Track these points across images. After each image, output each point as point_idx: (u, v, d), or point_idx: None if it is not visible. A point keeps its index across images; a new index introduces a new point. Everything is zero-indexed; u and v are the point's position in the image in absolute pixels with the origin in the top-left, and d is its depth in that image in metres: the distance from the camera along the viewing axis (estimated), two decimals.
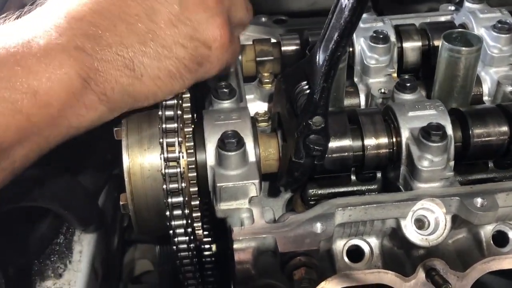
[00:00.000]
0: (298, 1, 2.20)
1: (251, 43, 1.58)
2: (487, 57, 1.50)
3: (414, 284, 1.17)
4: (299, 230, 1.14)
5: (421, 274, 1.17)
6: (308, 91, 1.15)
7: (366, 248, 1.25)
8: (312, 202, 1.34)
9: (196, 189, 1.21)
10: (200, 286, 1.45)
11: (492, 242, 1.24)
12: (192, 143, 1.21)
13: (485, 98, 1.51)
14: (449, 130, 1.24)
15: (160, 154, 1.17)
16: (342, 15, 1.02)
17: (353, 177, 1.36)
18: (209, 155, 1.22)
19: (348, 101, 1.49)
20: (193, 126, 1.24)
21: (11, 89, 0.98)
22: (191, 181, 1.20)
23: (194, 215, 1.24)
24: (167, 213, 1.19)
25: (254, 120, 1.34)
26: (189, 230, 1.24)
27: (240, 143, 1.19)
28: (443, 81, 1.39)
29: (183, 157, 1.19)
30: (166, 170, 1.17)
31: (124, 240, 2.21)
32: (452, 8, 1.73)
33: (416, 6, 2.01)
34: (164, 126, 1.18)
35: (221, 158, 1.19)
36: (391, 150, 1.27)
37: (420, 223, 1.19)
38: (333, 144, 1.25)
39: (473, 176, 1.35)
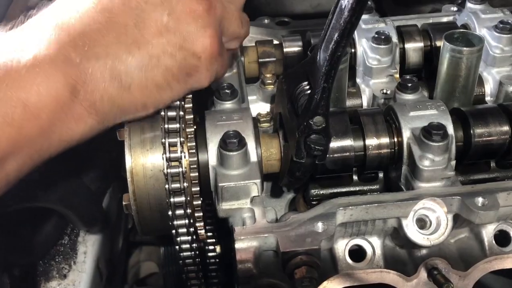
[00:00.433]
0: (302, 3, 2.21)
1: (253, 44, 1.58)
2: (489, 57, 1.50)
3: (416, 284, 1.17)
4: (300, 229, 1.15)
5: (423, 274, 1.18)
6: (309, 91, 1.16)
7: (368, 248, 1.25)
8: (314, 202, 1.34)
9: (198, 188, 1.22)
10: (203, 287, 1.45)
11: (494, 241, 1.25)
12: (194, 143, 1.22)
13: (488, 98, 1.51)
14: (450, 130, 1.24)
15: (162, 154, 1.18)
16: (342, 15, 1.03)
17: (355, 177, 1.36)
18: (211, 155, 1.22)
19: (350, 102, 1.50)
20: (195, 126, 1.24)
21: (1, 102, 0.99)
22: (193, 181, 1.21)
23: (196, 214, 1.24)
24: (169, 212, 1.20)
25: (255, 120, 1.35)
26: (191, 229, 1.24)
27: (242, 143, 1.19)
28: (445, 81, 1.39)
29: (185, 157, 1.20)
30: (168, 170, 1.18)
31: (129, 241, 2.22)
32: (455, 8, 1.73)
33: (419, 7, 2.01)
34: (166, 126, 1.19)
35: (223, 158, 1.20)
36: (393, 150, 1.27)
37: (422, 223, 1.19)
38: (335, 144, 1.25)
39: (475, 176, 1.35)
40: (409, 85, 1.35)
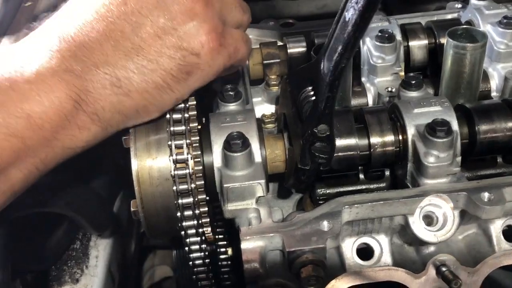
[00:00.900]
0: (308, 5, 2.21)
1: (258, 46, 1.59)
2: (494, 53, 1.49)
3: (424, 281, 1.17)
4: (306, 228, 1.15)
5: (431, 271, 1.17)
6: (313, 97, 1.17)
7: (375, 246, 1.25)
8: (321, 202, 1.34)
9: (203, 187, 1.23)
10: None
11: (502, 237, 1.24)
12: (199, 145, 1.23)
13: (493, 94, 1.50)
14: (455, 126, 1.24)
15: (169, 156, 1.19)
16: (346, 29, 1.03)
17: (361, 176, 1.36)
18: (216, 157, 1.23)
19: (355, 101, 1.50)
20: (200, 128, 1.25)
21: (5, 113, 1.02)
22: (199, 182, 1.22)
23: (203, 215, 1.25)
24: (178, 214, 1.21)
25: (259, 121, 1.36)
26: (200, 230, 1.26)
27: (246, 144, 1.20)
28: (449, 78, 1.38)
29: (191, 158, 1.21)
30: (176, 172, 1.19)
31: (142, 245, 2.23)
32: (459, 5, 1.73)
33: (424, 5, 2.01)
34: (172, 129, 1.20)
35: (227, 159, 1.21)
36: (398, 147, 1.27)
37: (429, 219, 1.19)
38: (340, 143, 1.25)
39: (482, 172, 1.34)
40: (413, 82, 1.36)
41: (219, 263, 1.68)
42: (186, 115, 1.21)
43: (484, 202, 1.16)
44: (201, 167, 1.21)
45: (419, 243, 1.23)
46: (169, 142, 1.19)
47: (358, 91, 1.52)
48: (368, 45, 1.53)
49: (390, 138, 1.27)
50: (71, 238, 1.70)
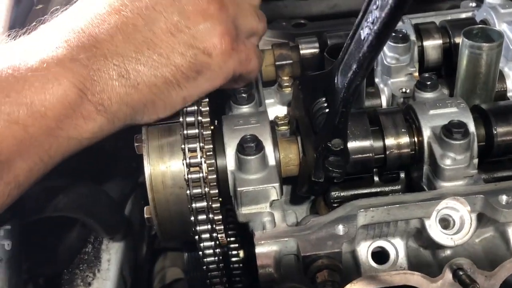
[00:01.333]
0: (319, 5, 2.20)
1: (270, 47, 1.58)
2: (510, 52, 1.47)
3: (441, 285, 1.15)
4: (321, 232, 1.14)
5: (448, 275, 1.15)
6: (326, 109, 1.16)
7: (391, 250, 1.24)
8: (335, 205, 1.33)
9: (216, 191, 1.22)
10: None
11: None
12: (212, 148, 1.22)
13: (510, 94, 1.48)
14: (471, 127, 1.22)
15: (182, 160, 1.19)
16: (361, 48, 1.01)
17: (376, 178, 1.35)
18: (229, 160, 1.22)
19: (369, 102, 1.48)
20: (212, 129, 1.24)
21: (6, 101, 1.00)
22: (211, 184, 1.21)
23: (216, 218, 1.24)
24: (192, 218, 1.20)
25: (273, 123, 1.35)
26: (214, 235, 1.25)
27: (259, 147, 1.19)
28: (465, 78, 1.37)
29: (205, 162, 1.20)
30: (189, 176, 1.18)
31: (153, 248, 2.23)
32: (473, 4, 1.71)
33: (437, 4, 1.98)
34: (185, 132, 1.19)
35: (241, 163, 1.19)
36: (413, 149, 1.25)
37: (445, 223, 1.17)
38: (354, 145, 1.24)
39: (499, 174, 1.32)
40: (428, 83, 1.33)
41: (231, 265, 1.67)
42: (199, 118, 1.20)
43: (502, 205, 1.14)
44: (214, 171, 1.20)
45: (436, 246, 1.21)
46: (182, 146, 1.18)
47: (372, 92, 1.50)
48: None
49: (405, 140, 1.25)
50: (83, 242, 1.70)
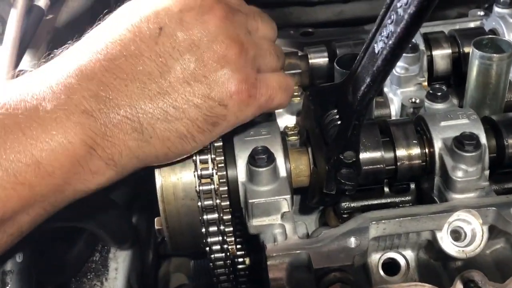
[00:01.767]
0: (325, 12, 2.20)
1: None
2: None
3: None
4: (332, 245, 1.13)
5: (459, 286, 1.14)
6: (338, 121, 1.15)
7: (402, 261, 1.23)
8: (345, 215, 1.33)
9: (228, 203, 1.22)
10: None
11: None
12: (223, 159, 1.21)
13: None
14: (483, 139, 1.22)
15: (194, 172, 1.19)
16: (375, 61, 1.01)
17: (386, 189, 1.34)
18: (240, 172, 1.22)
19: (378, 112, 1.48)
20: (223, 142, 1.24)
21: (13, 160, 0.96)
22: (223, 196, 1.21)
23: (227, 230, 1.24)
24: (203, 230, 1.20)
25: (283, 134, 1.34)
26: (225, 246, 1.25)
27: (271, 159, 1.19)
28: (475, 88, 1.37)
29: (216, 174, 1.19)
30: (201, 187, 1.18)
31: (158, 254, 2.22)
32: (482, 13, 1.71)
33: (444, 12, 1.99)
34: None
35: (252, 174, 1.19)
36: (424, 161, 1.25)
37: (457, 235, 1.17)
38: (365, 156, 1.23)
39: (510, 185, 1.32)
40: (439, 94, 1.33)
41: (237, 272, 1.67)
42: None
43: None
44: (225, 182, 1.20)
45: (446, 258, 1.20)
46: (194, 157, 1.18)
47: (381, 102, 1.50)
48: None
49: (416, 151, 1.25)
50: (91, 250, 1.69)
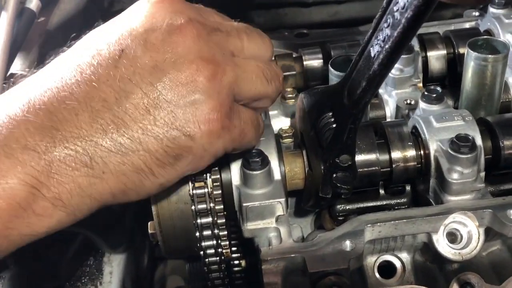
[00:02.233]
0: (320, 13, 2.19)
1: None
2: None
3: None
4: (328, 248, 1.12)
5: None
6: (334, 125, 1.14)
7: (397, 264, 1.23)
8: (341, 218, 1.32)
9: (222, 207, 1.21)
10: None
11: None
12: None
13: None
14: (479, 141, 1.21)
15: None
16: (371, 65, 1.00)
17: (381, 191, 1.33)
18: (234, 175, 1.21)
19: (373, 113, 1.47)
20: None
21: None
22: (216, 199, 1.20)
23: (221, 233, 1.23)
24: (197, 234, 1.19)
25: (278, 137, 1.33)
26: (220, 250, 1.24)
27: (265, 162, 1.18)
28: (470, 89, 1.36)
29: (210, 177, 1.18)
30: (194, 191, 1.17)
31: (154, 257, 2.22)
32: (476, 14, 1.70)
33: (439, 12, 1.98)
34: None
35: (246, 178, 1.18)
36: (420, 163, 1.24)
37: (453, 237, 1.16)
38: (360, 158, 1.22)
39: (505, 186, 1.31)
40: (434, 95, 1.32)
41: (232, 275, 1.67)
42: None
43: (510, 220, 1.13)
44: (219, 186, 1.19)
45: (443, 260, 1.20)
46: None
47: (375, 103, 1.49)
48: None
49: (412, 153, 1.24)
50: (85, 254, 1.68)
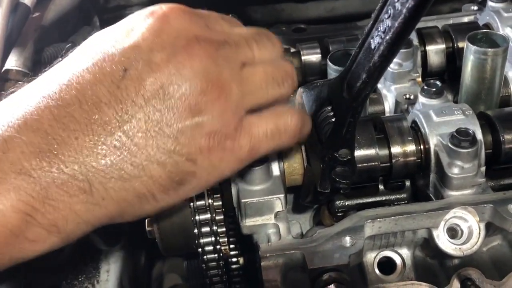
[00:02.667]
0: (317, 8, 2.18)
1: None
2: None
3: None
4: (327, 244, 1.11)
5: (456, 285, 1.14)
6: (333, 119, 1.13)
7: (397, 260, 1.22)
8: (340, 214, 1.31)
9: (220, 203, 1.20)
10: None
11: None
12: None
13: None
14: (479, 135, 1.20)
15: None
16: (372, 57, 0.98)
17: (381, 187, 1.32)
18: None
19: (372, 108, 1.46)
20: None
21: None
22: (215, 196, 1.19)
23: (219, 230, 1.22)
24: (195, 231, 1.18)
25: None
26: (218, 247, 1.23)
27: (264, 158, 1.16)
28: (469, 83, 1.35)
29: None
30: None
31: (152, 254, 2.21)
32: (475, 8, 1.69)
33: (437, 7, 1.97)
34: None
35: (245, 174, 1.17)
36: (419, 158, 1.23)
37: (453, 232, 1.15)
38: (360, 154, 1.21)
39: (506, 181, 1.30)
40: (433, 89, 1.31)
41: (230, 272, 1.66)
42: None
43: (511, 214, 1.12)
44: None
45: (443, 256, 1.19)
46: None
47: (374, 98, 1.48)
48: None
49: (411, 148, 1.23)
50: (82, 252, 1.67)
